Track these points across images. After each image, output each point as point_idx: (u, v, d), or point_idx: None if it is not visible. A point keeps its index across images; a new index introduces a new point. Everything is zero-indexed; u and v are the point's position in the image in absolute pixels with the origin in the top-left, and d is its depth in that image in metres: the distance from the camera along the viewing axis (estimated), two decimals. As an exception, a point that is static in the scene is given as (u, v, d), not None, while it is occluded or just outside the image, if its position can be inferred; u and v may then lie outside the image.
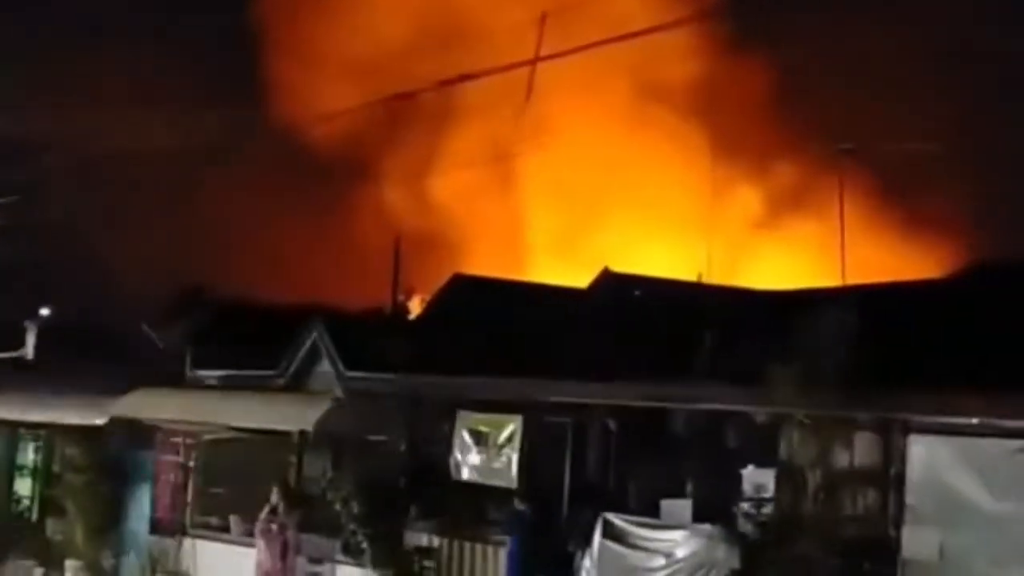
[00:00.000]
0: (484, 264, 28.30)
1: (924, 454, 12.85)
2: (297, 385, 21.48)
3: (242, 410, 21.25)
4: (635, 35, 15.11)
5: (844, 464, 13.77)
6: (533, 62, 20.16)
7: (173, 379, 23.72)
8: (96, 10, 33.81)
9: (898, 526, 13.06)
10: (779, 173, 33.57)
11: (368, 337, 20.95)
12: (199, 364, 23.93)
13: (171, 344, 25.57)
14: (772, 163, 33.61)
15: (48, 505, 24.19)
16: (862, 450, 13.66)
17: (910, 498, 12.94)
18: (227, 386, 22.99)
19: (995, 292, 14.56)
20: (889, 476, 13.22)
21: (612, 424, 16.48)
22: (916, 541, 12.85)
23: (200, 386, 23.52)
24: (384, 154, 35.51)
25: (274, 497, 19.04)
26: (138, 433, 22.93)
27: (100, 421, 22.75)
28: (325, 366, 21.06)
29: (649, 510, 15.50)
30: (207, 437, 22.23)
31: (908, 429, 13.01)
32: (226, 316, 25.42)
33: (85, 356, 25.51)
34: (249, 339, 22.78)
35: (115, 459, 23.07)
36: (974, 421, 12.41)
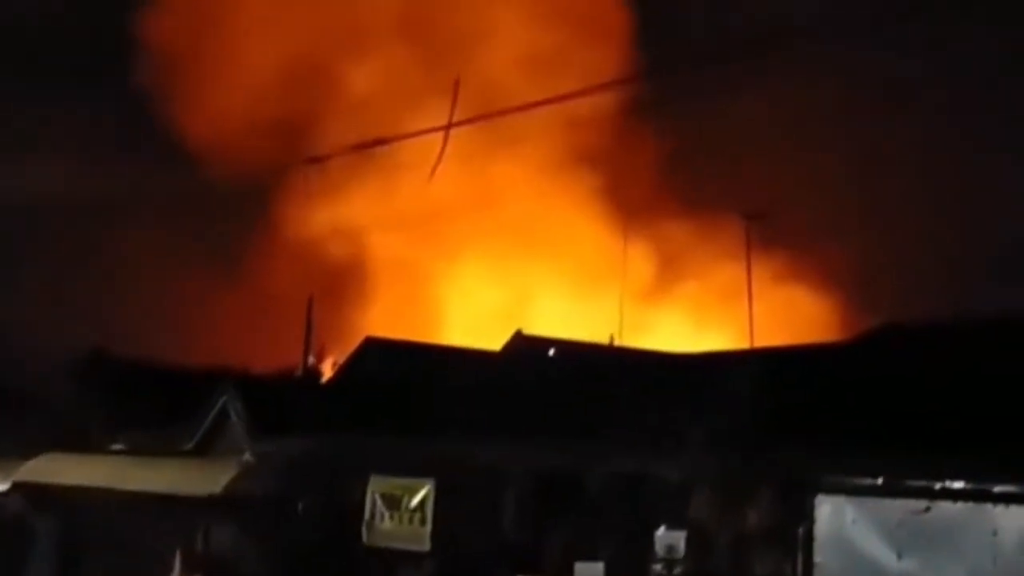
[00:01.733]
0: (397, 326, 28.33)
1: (831, 514, 13.06)
2: (206, 449, 21.24)
3: (149, 474, 20.94)
4: (545, 103, 15.37)
5: (753, 524, 13.96)
6: (447, 127, 20.37)
7: (77, 443, 23.31)
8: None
9: (807, 585, 13.23)
10: (685, 237, 34.13)
11: (279, 400, 20.82)
12: (104, 428, 23.57)
13: (75, 407, 25.15)
14: (679, 227, 34.17)
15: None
16: (771, 510, 13.85)
17: (818, 557, 13.12)
18: (134, 450, 22.65)
19: (901, 354, 14.92)
20: (798, 536, 13.40)
21: (526, 486, 16.51)
22: (824, 600, 13.02)
23: (106, 450, 23.14)
24: (296, 215, 35.46)
25: (177, 564, 18.75)
26: (40, 499, 22.46)
27: (2, 487, 22.28)
28: (235, 429, 20.86)
29: (563, 572, 15.52)
30: (112, 502, 21.83)
31: (815, 489, 13.22)
32: (132, 377, 25.10)
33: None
34: (156, 401, 22.51)
35: (15, 525, 22.55)
36: (879, 482, 12.66)
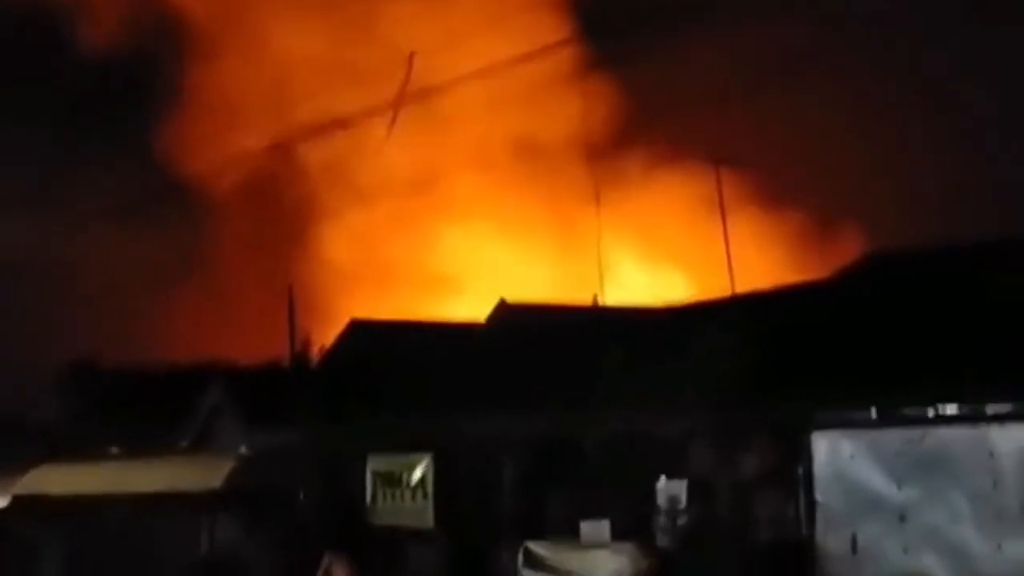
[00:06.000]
0: (380, 306, 28.31)
1: (828, 451, 13.13)
2: (202, 445, 21.25)
3: (148, 476, 20.91)
4: (501, 66, 15.35)
5: (752, 468, 14.03)
6: (397, 102, 20.31)
7: (74, 452, 23.27)
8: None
9: (811, 524, 13.31)
10: (658, 188, 34.13)
11: (269, 391, 20.82)
12: (99, 435, 23.54)
13: (68, 419, 25.12)
14: (651, 179, 34.15)
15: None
16: (768, 453, 13.92)
17: (819, 496, 13.20)
18: (131, 454, 22.62)
19: (888, 284, 14.95)
20: (797, 476, 13.48)
21: (524, 453, 16.57)
22: (828, 537, 13.11)
23: (103, 456, 23.11)
24: (268, 205, 35.37)
25: None
26: (41, 510, 22.40)
27: (2, 502, 22.23)
28: (229, 424, 20.88)
29: (570, 534, 15.59)
30: (113, 506, 21.81)
31: (810, 428, 13.28)
32: (122, 384, 25.07)
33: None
34: (149, 404, 22.49)
35: (19, 539, 22.50)
36: (872, 414, 12.73)
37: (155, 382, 24.44)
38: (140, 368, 26.49)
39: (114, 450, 23.06)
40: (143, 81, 35.17)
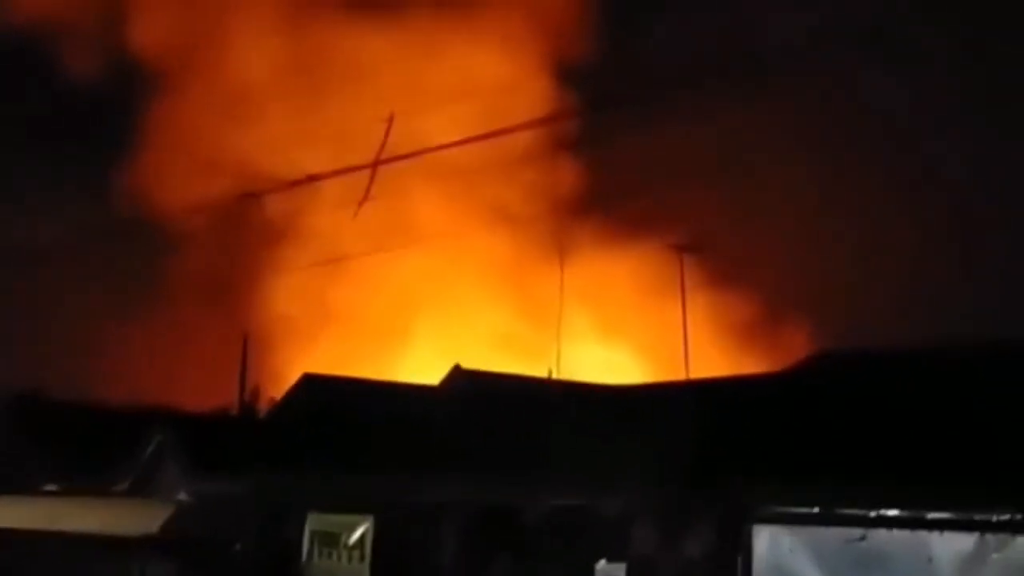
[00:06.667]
0: (333, 363, 28.23)
1: (768, 543, 13.16)
2: (142, 489, 21.00)
3: (84, 516, 20.65)
4: (475, 139, 15.49)
5: (693, 554, 14.03)
6: (375, 164, 20.42)
7: (9, 487, 22.94)
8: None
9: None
10: (622, 270, 34.32)
11: (215, 438, 20.66)
12: (37, 470, 23.23)
13: (6, 451, 24.77)
14: (615, 260, 34.34)
15: None
16: (709, 540, 13.93)
17: (756, 587, 13.21)
18: (68, 491, 22.33)
19: (837, 383, 15.09)
20: (736, 565, 13.49)
21: (466, 521, 16.49)
22: (763, 630, 13.10)
23: (39, 492, 22.80)
24: (229, 255, 35.26)
25: None
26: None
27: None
28: (171, 468, 20.66)
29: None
30: (46, 544, 21.49)
31: (752, 519, 13.32)
32: (65, 419, 24.78)
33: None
34: (91, 442, 22.23)
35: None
36: (815, 510, 12.79)
37: (99, 420, 24.13)
38: (84, 404, 26.19)
39: (52, 487, 22.75)
40: (107, 117, 35.15)
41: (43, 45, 34.80)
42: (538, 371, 25.46)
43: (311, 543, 18.19)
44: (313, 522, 18.18)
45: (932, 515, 11.81)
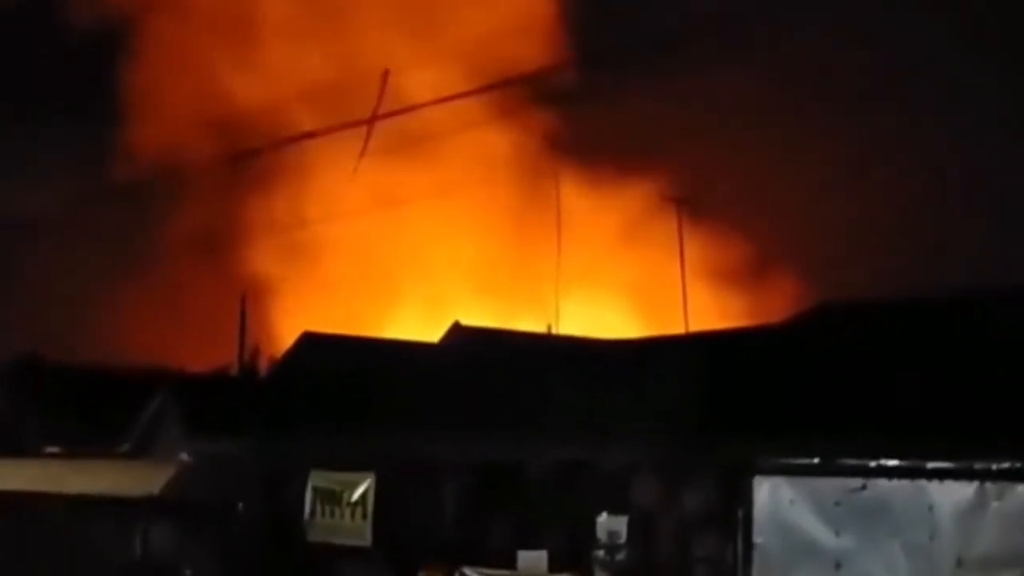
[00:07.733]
0: (331, 321, 28.21)
1: (769, 494, 13.21)
2: (143, 450, 21.05)
3: (86, 478, 20.71)
4: (469, 94, 15.39)
5: (694, 507, 14.08)
6: (371, 120, 20.27)
7: (11, 448, 23.01)
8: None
9: (747, 566, 13.37)
10: (618, 223, 34.26)
11: (215, 399, 20.68)
12: (39, 433, 23.29)
13: (9, 414, 24.82)
14: (612, 213, 34.28)
15: None
16: (710, 493, 13.99)
17: (757, 538, 13.26)
18: (70, 454, 22.39)
19: (837, 334, 15.10)
20: (737, 518, 13.55)
21: (467, 477, 16.54)
22: (765, 579, 13.17)
23: (42, 455, 22.87)
24: (226, 215, 35.20)
25: None
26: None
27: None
28: (171, 430, 20.70)
29: (507, 562, 15.57)
30: (48, 506, 21.58)
31: (753, 471, 13.36)
32: (66, 382, 24.82)
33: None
34: (92, 405, 22.26)
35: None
36: (814, 461, 12.82)
37: (99, 383, 24.17)
38: (85, 368, 26.21)
39: (53, 449, 22.81)
40: (98, 79, 34.93)
41: (32, 5, 34.56)
42: (537, 326, 25.51)
43: (313, 501, 18.24)
44: (315, 479, 18.23)
45: (932, 464, 11.85)
